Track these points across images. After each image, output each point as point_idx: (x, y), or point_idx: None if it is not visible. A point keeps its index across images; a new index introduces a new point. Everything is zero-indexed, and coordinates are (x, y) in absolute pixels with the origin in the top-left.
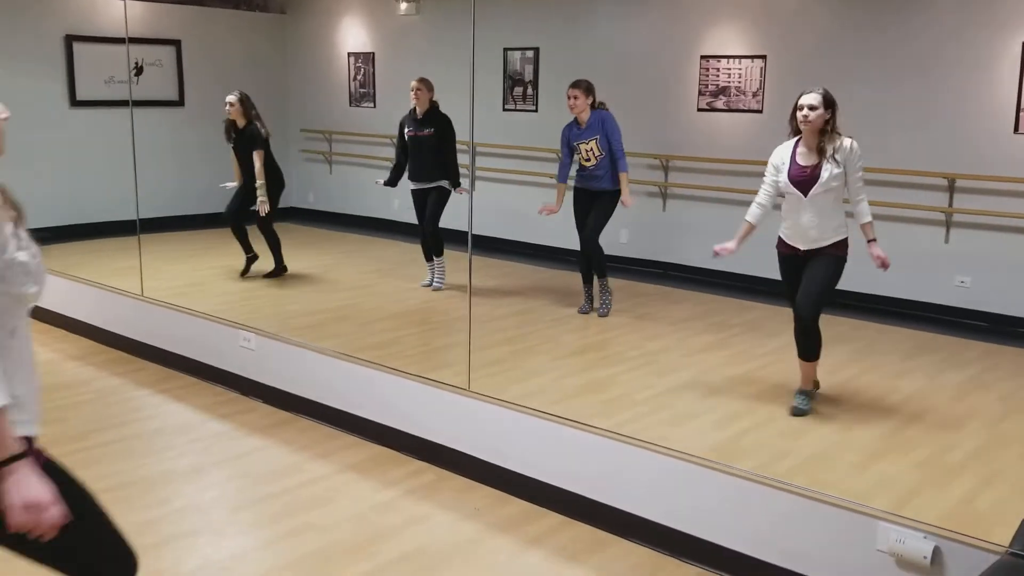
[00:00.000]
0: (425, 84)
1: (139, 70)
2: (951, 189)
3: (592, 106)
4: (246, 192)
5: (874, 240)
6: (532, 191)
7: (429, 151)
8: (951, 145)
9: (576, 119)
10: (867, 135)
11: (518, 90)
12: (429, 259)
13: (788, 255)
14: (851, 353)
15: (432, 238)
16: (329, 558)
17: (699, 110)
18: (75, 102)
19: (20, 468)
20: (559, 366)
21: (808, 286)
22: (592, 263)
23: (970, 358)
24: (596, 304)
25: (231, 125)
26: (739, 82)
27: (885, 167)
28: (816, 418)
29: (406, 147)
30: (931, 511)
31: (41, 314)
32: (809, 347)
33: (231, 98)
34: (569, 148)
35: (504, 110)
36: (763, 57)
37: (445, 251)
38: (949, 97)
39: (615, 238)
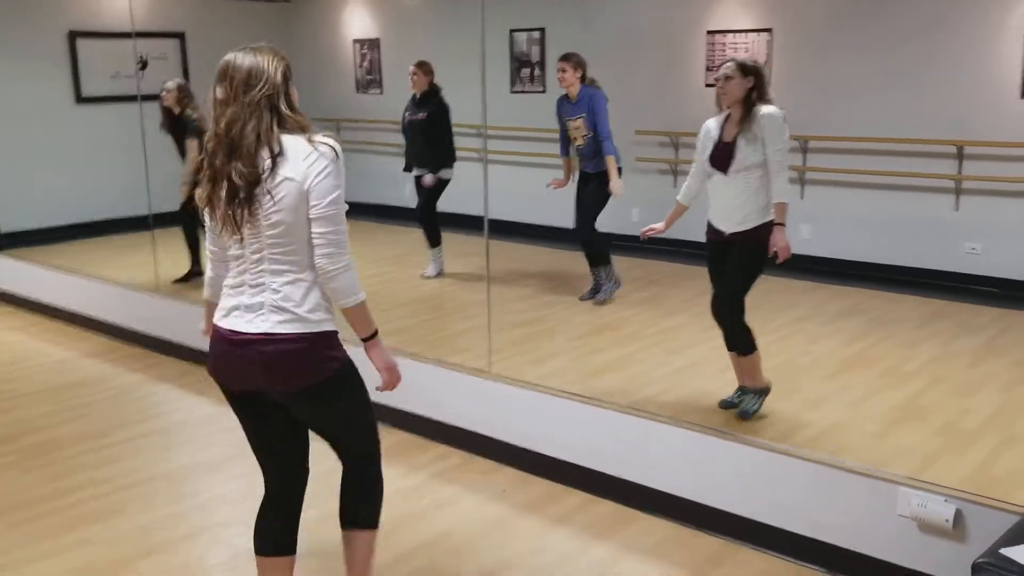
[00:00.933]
0: (422, 68)
1: (144, 64)
2: (959, 156)
3: (582, 81)
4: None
5: (781, 225)
6: (542, 172)
7: (421, 135)
8: (958, 112)
9: (567, 93)
10: (874, 105)
11: (525, 71)
12: (434, 244)
13: (713, 240)
14: (865, 323)
15: (426, 228)
16: None
17: (707, 85)
18: (80, 99)
19: (379, 342)
20: (576, 347)
21: (729, 281)
22: (585, 254)
23: (983, 324)
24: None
25: (167, 113)
26: (746, 56)
27: (893, 136)
28: (834, 389)
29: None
30: (950, 476)
31: (56, 313)
32: (736, 341)
33: (169, 85)
34: (561, 123)
35: (512, 92)
36: (769, 30)
37: (459, 234)
38: (954, 64)
39: (626, 217)
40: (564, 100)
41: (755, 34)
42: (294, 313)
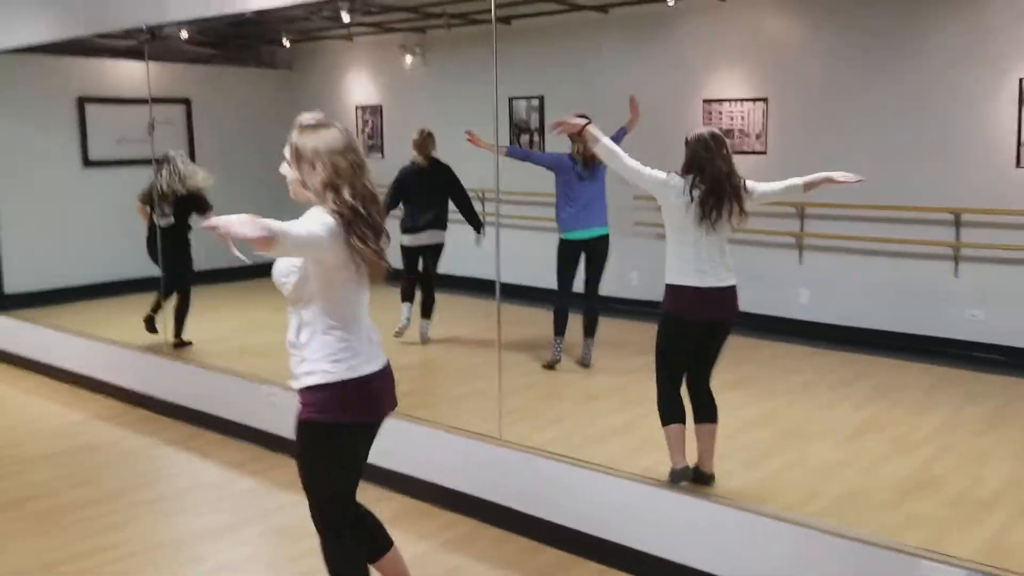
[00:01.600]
0: (428, 140)
1: (151, 129)
2: (957, 223)
3: None
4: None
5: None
6: (538, 236)
7: (433, 201)
8: (955, 180)
9: (584, 159)
10: (870, 172)
11: (524, 137)
12: (408, 299)
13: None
14: (870, 390)
15: (431, 296)
16: None
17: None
18: (88, 162)
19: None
20: (581, 411)
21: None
22: (591, 320)
23: (989, 391)
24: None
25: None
26: (742, 125)
27: (890, 203)
28: (844, 456)
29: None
30: (966, 547)
31: (65, 376)
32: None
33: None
34: (565, 179)
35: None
36: (764, 100)
37: (453, 296)
38: (951, 133)
39: (627, 281)
40: (577, 163)
41: (751, 103)
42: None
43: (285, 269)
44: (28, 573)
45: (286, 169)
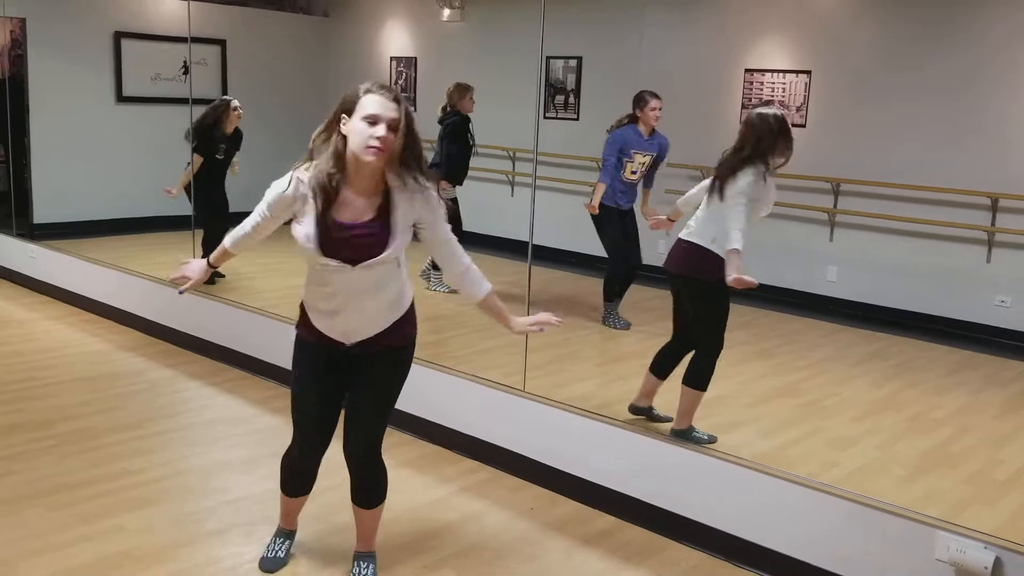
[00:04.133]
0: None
1: (185, 69)
2: (994, 208)
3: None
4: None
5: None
6: (572, 199)
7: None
8: (995, 164)
9: (642, 129)
10: (909, 151)
11: (560, 98)
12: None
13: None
14: (891, 368)
15: None
16: (385, 552)
17: (741, 123)
18: (121, 98)
19: None
20: (602, 372)
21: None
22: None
23: (1010, 377)
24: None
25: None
26: (783, 96)
27: (926, 184)
28: (862, 431)
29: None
30: (981, 525)
31: (92, 305)
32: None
33: (238, 103)
34: (624, 152)
35: (545, 117)
36: (808, 72)
37: (486, 255)
38: (993, 115)
39: (654, 248)
40: (637, 134)
41: (793, 75)
42: None
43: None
44: (55, 491)
45: (386, 134)
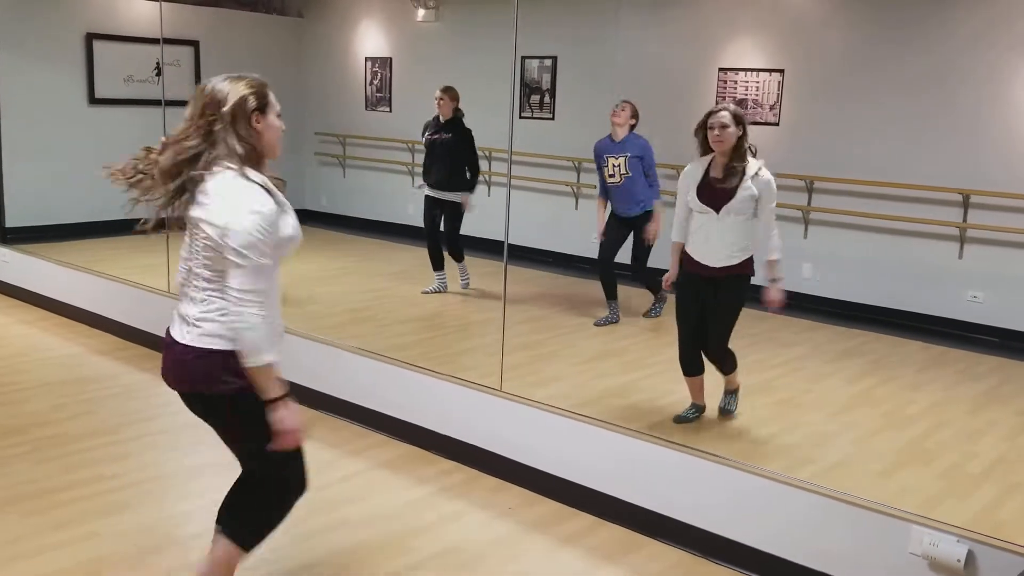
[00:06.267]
0: (448, 93)
1: (158, 70)
2: (965, 205)
3: (632, 129)
4: None
5: (776, 280)
6: (546, 198)
7: (445, 155)
8: (966, 161)
9: (611, 134)
10: (882, 149)
11: (535, 98)
12: (437, 268)
13: (694, 276)
14: (866, 365)
15: (452, 251)
16: (365, 554)
17: None
18: (94, 100)
19: (287, 403)
20: (580, 371)
21: (719, 328)
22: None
23: (984, 372)
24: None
25: None
26: (756, 95)
27: (900, 182)
28: (838, 427)
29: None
30: (955, 519)
31: (65, 309)
32: (727, 367)
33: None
34: (600, 162)
35: (520, 117)
36: (781, 71)
37: (468, 256)
38: (964, 113)
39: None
40: (609, 140)
41: (767, 74)
42: (207, 329)
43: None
44: (29, 497)
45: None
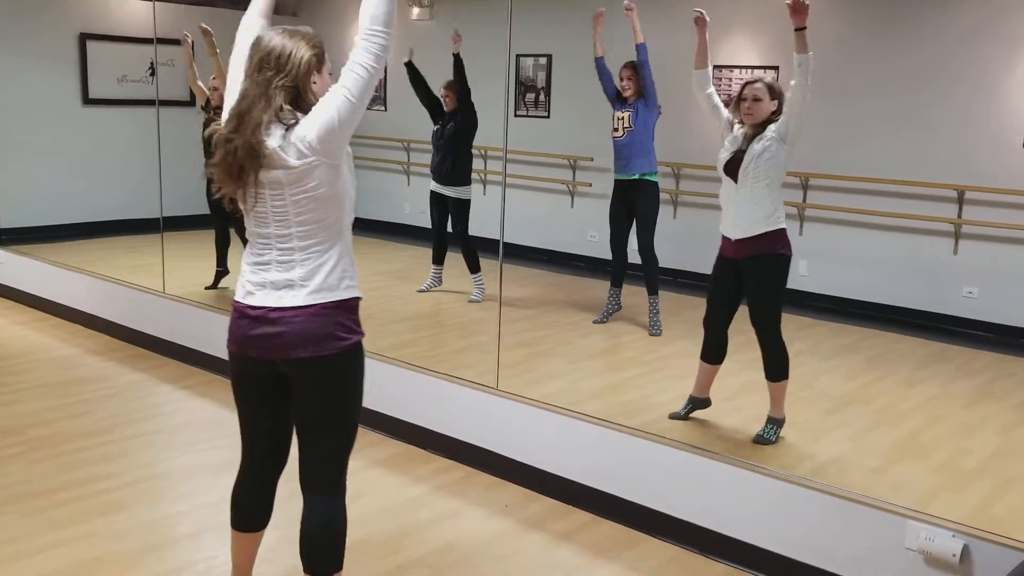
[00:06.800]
0: (451, 89)
1: (152, 70)
2: (960, 201)
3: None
4: None
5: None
6: (544, 196)
7: (445, 146)
8: (960, 157)
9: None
10: (877, 146)
11: (530, 96)
12: (437, 262)
13: (723, 257)
14: (863, 361)
15: (466, 257)
16: (362, 552)
17: None
18: (88, 100)
19: None
20: (576, 369)
21: (754, 303)
22: (648, 277)
23: (979, 367)
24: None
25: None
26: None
27: (895, 178)
28: (834, 423)
29: (434, 106)
30: (950, 513)
31: (61, 310)
32: (771, 366)
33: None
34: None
35: (516, 115)
36: (775, 68)
37: (457, 253)
38: (959, 109)
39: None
40: (622, 97)
41: (762, 71)
42: (317, 287)
43: None
44: (25, 498)
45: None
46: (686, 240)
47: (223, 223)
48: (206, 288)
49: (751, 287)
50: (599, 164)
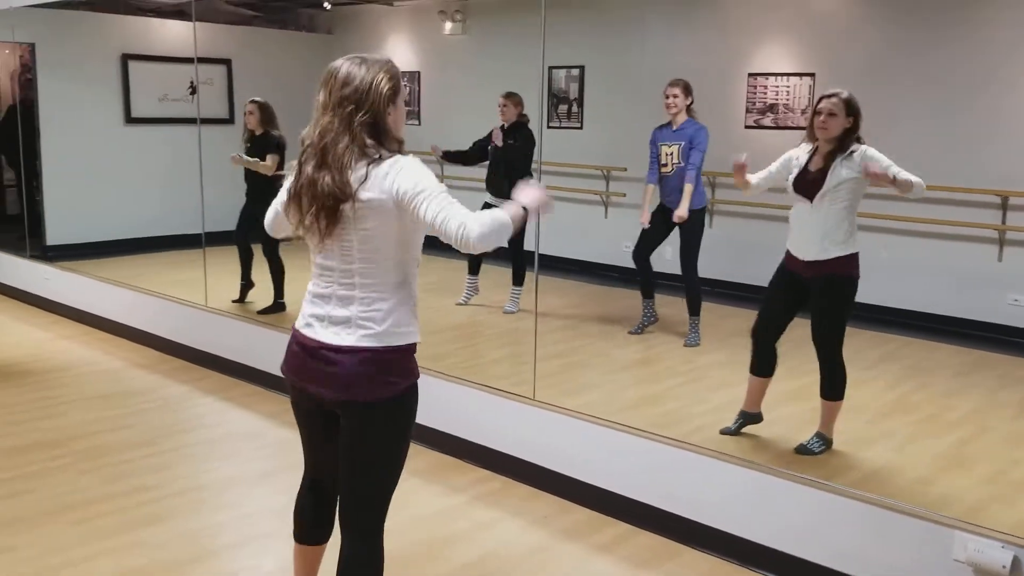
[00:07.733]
0: (511, 99)
1: (193, 89)
2: (1004, 207)
3: (688, 112)
4: (255, 206)
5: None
6: (577, 208)
7: (506, 162)
8: (1003, 163)
9: (670, 120)
10: (918, 153)
11: (563, 108)
12: (472, 272)
13: (788, 269)
14: (905, 370)
15: (515, 269)
16: (400, 561)
17: (746, 127)
18: (130, 119)
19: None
20: (612, 380)
21: (817, 325)
22: (689, 299)
23: None
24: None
25: (249, 132)
26: (787, 99)
27: (937, 184)
28: (878, 433)
29: (484, 148)
30: (1002, 525)
31: (106, 324)
32: (828, 384)
33: (250, 105)
34: (655, 149)
35: (548, 127)
36: (812, 75)
37: (491, 266)
38: (1001, 114)
39: (661, 255)
40: (666, 127)
41: (797, 78)
42: (374, 330)
43: None
44: (70, 508)
45: None
46: (721, 250)
47: (245, 239)
48: (233, 301)
49: (819, 307)
50: (632, 174)
